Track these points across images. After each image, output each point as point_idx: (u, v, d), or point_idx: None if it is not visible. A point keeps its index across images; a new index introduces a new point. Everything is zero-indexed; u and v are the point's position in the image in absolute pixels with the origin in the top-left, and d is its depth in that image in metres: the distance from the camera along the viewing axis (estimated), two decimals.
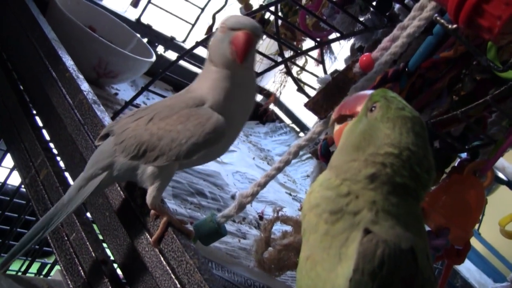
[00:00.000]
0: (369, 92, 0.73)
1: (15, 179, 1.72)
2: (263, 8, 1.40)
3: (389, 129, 0.66)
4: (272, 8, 1.44)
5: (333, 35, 1.54)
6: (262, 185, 0.98)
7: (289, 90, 1.90)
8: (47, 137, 1.18)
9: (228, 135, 0.87)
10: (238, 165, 1.75)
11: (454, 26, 0.75)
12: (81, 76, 1.13)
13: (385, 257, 0.60)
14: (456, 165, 1.25)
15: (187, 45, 2.20)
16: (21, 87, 1.32)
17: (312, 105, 0.96)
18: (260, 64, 1.72)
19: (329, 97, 0.96)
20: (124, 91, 1.74)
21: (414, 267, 0.62)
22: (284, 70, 1.71)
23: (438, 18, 0.79)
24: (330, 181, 0.68)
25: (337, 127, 0.74)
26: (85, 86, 1.10)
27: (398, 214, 0.64)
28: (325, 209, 0.65)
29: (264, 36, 1.86)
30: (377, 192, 0.64)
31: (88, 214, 1.03)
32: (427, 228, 1.08)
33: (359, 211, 0.64)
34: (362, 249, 0.61)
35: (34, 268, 1.88)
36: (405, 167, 0.65)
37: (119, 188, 0.93)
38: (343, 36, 1.34)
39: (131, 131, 0.86)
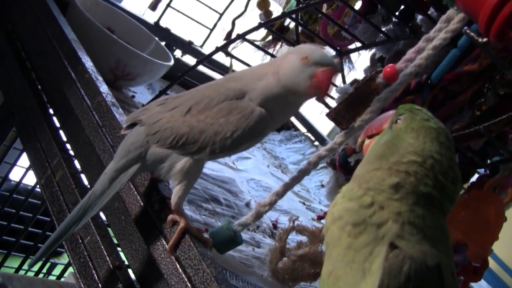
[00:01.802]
0: (389, 113, 0.73)
1: (30, 179, 1.71)
2: (285, 15, 1.39)
3: (413, 138, 0.65)
4: (293, 15, 1.43)
5: (353, 45, 1.53)
6: (281, 195, 0.97)
7: None
8: (64, 138, 1.18)
9: None
10: (252, 172, 1.73)
11: (485, 40, 0.74)
12: (100, 78, 1.12)
13: (411, 273, 0.58)
14: (475, 180, 1.23)
15: (205, 50, 2.19)
16: (39, 87, 1.31)
17: (334, 115, 0.95)
18: None
19: (351, 108, 0.95)
20: (141, 94, 1.73)
21: (440, 285, 0.60)
22: None
23: (468, 31, 0.78)
24: (353, 191, 0.66)
25: (367, 141, 0.74)
26: (104, 88, 1.09)
27: (424, 227, 0.62)
28: (348, 221, 0.64)
29: (283, 44, 1.85)
30: (402, 203, 0.63)
31: (103, 217, 1.02)
32: None
33: (383, 223, 0.62)
34: (388, 265, 0.59)
35: (45, 268, 1.87)
36: (429, 176, 0.63)
37: (136, 192, 0.92)
38: (365, 46, 1.32)
39: (165, 122, 0.84)
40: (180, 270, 0.79)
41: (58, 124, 1.21)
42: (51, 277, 1.85)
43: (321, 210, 1.80)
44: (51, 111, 1.25)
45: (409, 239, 0.61)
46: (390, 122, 0.70)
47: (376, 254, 0.61)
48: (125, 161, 0.86)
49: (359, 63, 1.71)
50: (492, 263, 2.92)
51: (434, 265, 0.59)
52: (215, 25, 2.21)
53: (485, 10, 0.68)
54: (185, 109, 0.84)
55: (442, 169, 0.64)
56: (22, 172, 1.68)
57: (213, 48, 1.44)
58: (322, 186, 1.99)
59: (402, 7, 1.36)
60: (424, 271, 0.59)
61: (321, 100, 0.92)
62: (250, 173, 1.72)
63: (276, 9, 1.89)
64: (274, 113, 0.86)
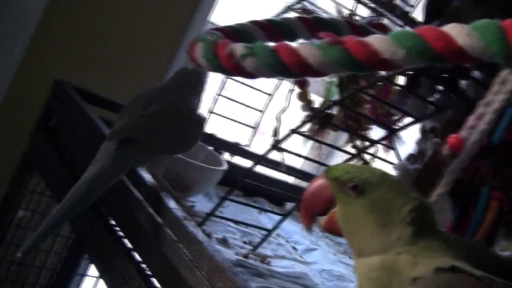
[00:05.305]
0: (317, 183, 0.73)
1: None
2: (333, 104, 1.41)
3: (388, 193, 0.69)
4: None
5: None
6: None
7: None
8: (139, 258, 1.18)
9: None
10: (322, 263, 1.71)
11: None
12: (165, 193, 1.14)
13: None
14: None
15: (252, 148, 2.21)
16: (104, 211, 1.33)
17: None
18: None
19: (421, 186, 0.94)
20: (200, 202, 1.74)
21: None
22: (357, 161, 1.70)
23: None
24: (370, 265, 0.67)
25: (322, 219, 0.73)
26: (172, 204, 1.11)
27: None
28: None
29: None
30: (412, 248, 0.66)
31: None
32: None
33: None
34: None
35: None
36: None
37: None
38: (418, 120, 1.33)
39: (156, 137, 1.14)
40: None
41: (130, 245, 1.22)
42: None
43: None
44: (120, 233, 1.26)
45: None
46: (340, 193, 0.70)
47: None
48: (112, 173, 1.08)
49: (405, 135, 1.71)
50: None
51: None
52: (258, 124, 2.24)
53: None
54: (163, 123, 1.15)
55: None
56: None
57: (260, 146, 1.46)
58: None
59: (444, 75, 1.37)
60: None
61: None
62: (320, 264, 1.70)
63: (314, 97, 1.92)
64: None
